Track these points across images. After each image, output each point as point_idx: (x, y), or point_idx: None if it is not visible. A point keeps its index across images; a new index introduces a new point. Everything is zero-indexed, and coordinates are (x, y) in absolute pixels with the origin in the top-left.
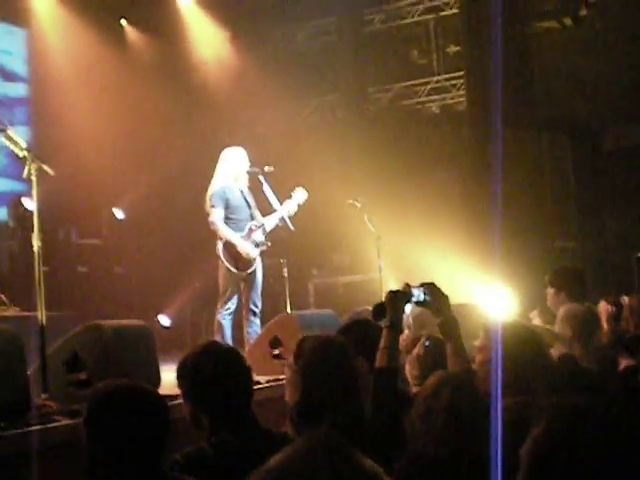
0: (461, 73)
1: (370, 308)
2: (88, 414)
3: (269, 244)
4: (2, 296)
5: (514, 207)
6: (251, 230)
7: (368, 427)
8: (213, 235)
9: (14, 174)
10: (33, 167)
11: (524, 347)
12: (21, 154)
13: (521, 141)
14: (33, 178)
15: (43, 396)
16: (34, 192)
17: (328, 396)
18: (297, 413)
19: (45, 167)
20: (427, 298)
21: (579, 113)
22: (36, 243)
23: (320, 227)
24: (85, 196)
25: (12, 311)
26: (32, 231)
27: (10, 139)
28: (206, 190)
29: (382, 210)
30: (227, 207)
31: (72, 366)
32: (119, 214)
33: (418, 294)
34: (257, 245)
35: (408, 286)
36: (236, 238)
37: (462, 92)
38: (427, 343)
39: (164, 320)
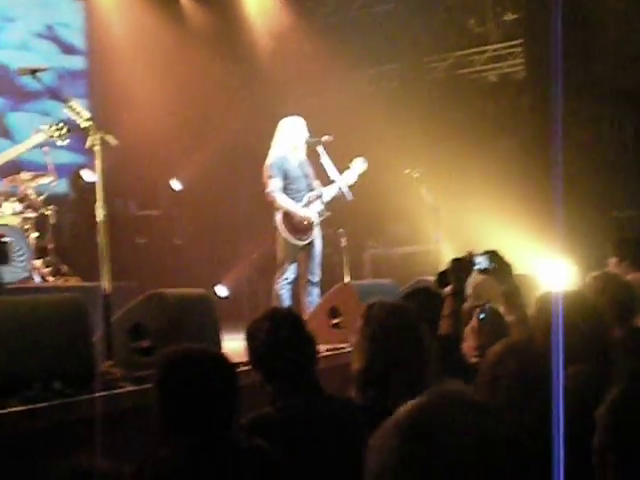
0: (519, 41)
1: (429, 279)
2: (160, 378)
3: (328, 214)
4: (63, 267)
5: (574, 176)
6: (309, 200)
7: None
8: (271, 205)
9: (73, 146)
10: (96, 137)
11: (582, 317)
12: (84, 125)
13: (580, 109)
14: (96, 148)
15: (107, 363)
16: (97, 162)
17: (394, 361)
18: (363, 377)
19: (108, 137)
20: (490, 266)
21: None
22: (100, 213)
23: (377, 197)
24: (143, 167)
25: (74, 281)
26: (92, 203)
27: (73, 110)
28: (264, 160)
29: (440, 180)
30: (285, 177)
31: (136, 334)
32: (177, 185)
33: (481, 262)
34: (317, 215)
35: (471, 254)
36: (295, 207)
37: (520, 60)
38: (481, 316)
39: (222, 290)
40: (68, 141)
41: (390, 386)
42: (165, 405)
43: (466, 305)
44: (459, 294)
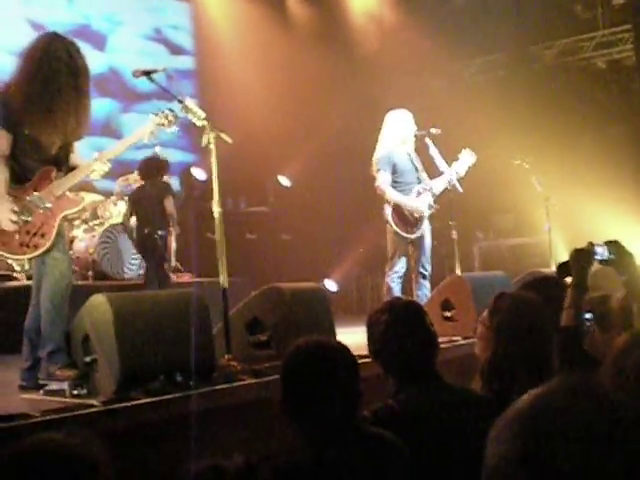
0: (628, 26)
1: (542, 270)
2: (285, 369)
3: (437, 207)
4: (177, 263)
5: None
6: (419, 193)
7: None
8: (378, 199)
9: (183, 145)
10: (212, 136)
11: None
12: (200, 123)
13: None
14: (212, 147)
15: (227, 357)
16: (213, 160)
17: (520, 353)
18: (490, 368)
19: (223, 135)
20: (611, 256)
21: None
22: (217, 210)
23: (486, 189)
24: (252, 165)
25: (186, 277)
26: (202, 200)
27: (188, 109)
28: (370, 154)
29: (550, 170)
30: (394, 171)
31: (253, 328)
32: (285, 182)
33: (602, 252)
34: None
35: (592, 244)
36: (404, 199)
37: (630, 46)
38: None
39: (331, 285)
40: (177, 130)
41: (516, 378)
42: (290, 396)
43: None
44: (581, 285)
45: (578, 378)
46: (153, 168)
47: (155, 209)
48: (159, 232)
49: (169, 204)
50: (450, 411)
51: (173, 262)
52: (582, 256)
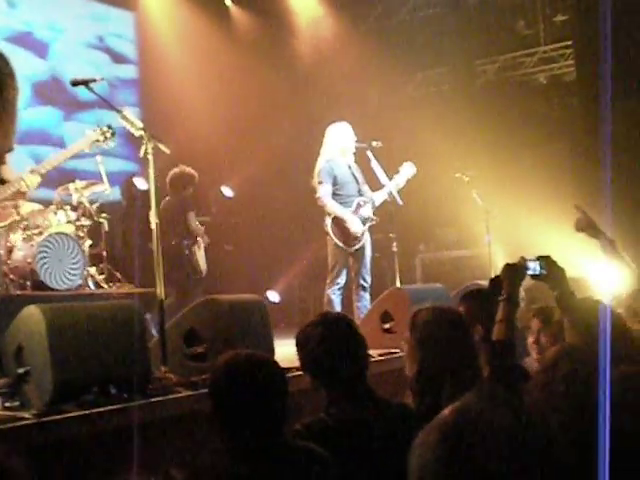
0: (569, 43)
1: (480, 283)
2: (212, 382)
3: (377, 219)
4: (117, 273)
5: (625, 179)
6: (359, 205)
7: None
8: (321, 211)
9: (126, 154)
10: (149, 146)
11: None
12: (137, 133)
13: (631, 111)
14: (150, 157)
15: (163, 369)
16: (151, 171)
17: (445, 366)
18: (416, 384)
19: (161, 146)
20: (543, 271)
21: None
22: (154, 221)
23: (427, 202)
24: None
25: (126, 288)
26: (143, 210)
27: (126, 119)
28: (313, 166)
29: (490, 183)
30: (335, 183)
31: (190, 340)
32: (227, 192)
33: (534, 267)
34: (365, 220)
35: (524, 259)
36: (345, 213)
37: (570, 62)
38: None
39: (273, 296)
40: (114, 145)
41: (442, 391)
42: (218, 410)
43: (521, 308)
44: (512, 299)
45: (492, 388)
46: (179, 181)
47: (180, 220)
48: (185, 242)
49: (190, 219)
50: (381, 425)
51: (203, 272)
52: (514, 271)
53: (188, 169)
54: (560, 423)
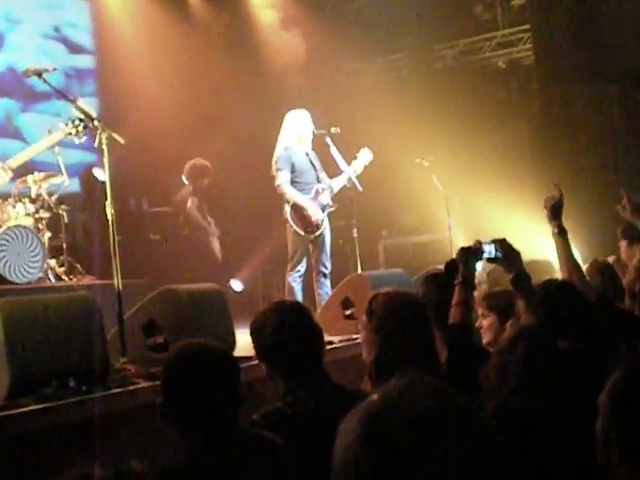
0: (527, 27)
1: (441, 267)
2: (164, 372)
3: (336, 206)
4: (77, 265)
5: (584, 161)
6: (318, 192)
7: (444, 380)
8: (280, 199)
9: (85, 145)
10: (104, 136)
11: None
12: (91, 124)
13: (590, 94)
14: (104, 147)
15: (122, 360)
16: (105, 161)
17: (403, 351)
18: (374, 369)
19: (115, 136)
20: (499, 254)
21: None
22: (109, 212)
23: (388, 188)
24: (154, 165)
25: (87, 280)
26: (103, 201)
27: (80, 109)
28: (272, 154)
29: (450, 168)
30: (293, 170)
31: (149, 330)
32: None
33: (489, 250)
34: (324, 207)
35: (479, 243)
36: (304, 200)
37: (528, 46)
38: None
39: (236, 285)
40: (84, 137)
41: (395, 375)
42: (170, 401)
43: (483, 290)
44: (468, 283)
45: (415, 375)
46: (198, 172)
47: (202, 210)
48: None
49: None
50: (337, 412)
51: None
52: (469, 254)
53: (203, 160)
54: (513, 406)
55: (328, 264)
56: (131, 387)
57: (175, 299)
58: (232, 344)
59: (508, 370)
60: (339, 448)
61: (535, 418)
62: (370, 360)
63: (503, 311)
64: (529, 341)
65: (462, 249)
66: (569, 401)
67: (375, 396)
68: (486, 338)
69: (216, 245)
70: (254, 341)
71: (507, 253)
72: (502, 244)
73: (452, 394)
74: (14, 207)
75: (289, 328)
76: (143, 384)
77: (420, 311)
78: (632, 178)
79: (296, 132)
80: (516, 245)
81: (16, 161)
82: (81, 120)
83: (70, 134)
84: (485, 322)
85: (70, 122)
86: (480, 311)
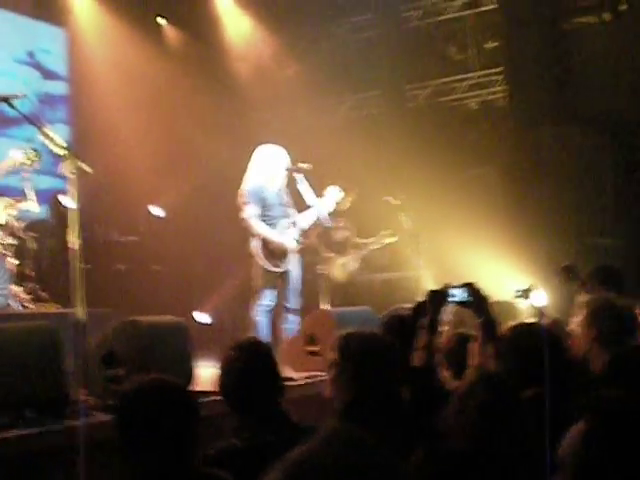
0: (500, 69)
1: (408, 305)
2: (119, 408)
3: (305, 241)
4: (43, 293)
5: (554, 204)
6: (285, 228)
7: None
8: (248, 232)
9: (55, 172)
10: (71, 165)
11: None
12: (59, 152)
13: (560, 137)
14: (71, 176)
15: (81, 392)
16: (72, 190)
17: (380, 396)
18: (348, 413)
19: (83, 165)
20: (468, 298)
21: (619, 109)
22: (74, 240)
23: (358, 224)
24: (123, 194)
25: (52, 308)
26: (71, 228)
27: (48, 137)
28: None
29: (420, 207)
30: (263, 205)
31: (109, 362)
32: (157, 212)
33: (458, 294)
34: (293, 243)
35: (448, 286)
36: (270, 233)
37: (501, 88)
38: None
39: (203, 317)
40: (37, 166)
41: (373, 420)
42: (123, 436)
43: (447, 332)
44: (433, 327)
45: (341, 428)
46: None
47: None
48: None
49: None
50: (292, 449)
51: None
52: (436, 297)
53: None
54: (472, 450)
55: (294, 300)
56: (89, 419)
57: (136, 331)
58: (190, 377)
59: (465, 415)
60: None
61: (485, 463)
62: (343, 404)
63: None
64: (488, 387)
65: (431, 292)
66: (526, 449)
67: (300, 448)
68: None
69: None
70: (218, 377)
71: (476, 297)
72: (471, 288)
73: (374, 448)
74: None
75: (245, 367)
76: (101, 417)
77: (394, 357)
78: (596, 220)
79: (269, 168)
80: (483, 286)
81: None
82: (34, 149)
83: (23, 164)
84: (446, 374)
85: (23, 151)
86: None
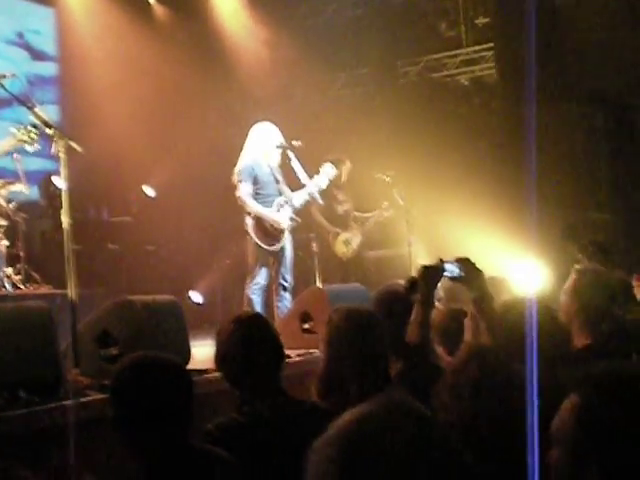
0: (490, 45)
1: (401, 282)
2: (114, 385)
3: (298, 220)
4: (35, 274)
5: (546, 179)
6: (279, 206)
7: None
8: (241, 211)
9: (45, 153)
10: (61, 144)
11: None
12: (49, 131)
13: (552, 113)
14: (62, 155)
15: (74, 371)
16: (63, 170)
17: (350, 365)
18: (320, 382)
19: (73, 144)
20: (461, 273)
21: (612, 85)
22: (65, 221)
23: (352, 201)
24: (115, 174)
25: (44, 289)
26: (62, 209)
27: (38, 117)
28: (236, 164)
29: (412, 184)
30: (255, 183)
31: (103, 341)
32: (149, 191)
33: (452, 269)
34: (286, 220)
35: (441, 261)
36: (264, 211)
37: (492, 64)
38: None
39: (196, 296)
40: (38, 146)
41: (349, 391)
42: (118, 414)
43: (440, 308)
44: (427, 302)
45: (397, 398)
46: None
47: None
48: None
49: None
50: (292, 424)
51: None
52: (430, 273)
53: None
54: (465, 426)
55: (289, 277)
56: (83, 399)
57: (130, 310)
58: (187, 356)
59: (459, 390)
60: (313, 469)
61: (479, 436)
62: (318, 373)
63: (453, 345)
64: (481, 362)
65: (424, 267)
66: (518, 423)
67: (349, 420)
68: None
69: None
70: (216, 351)
71: (470, 272)
72: (465, 263)
73: (436, 425)
74: None
75: (250, 340)
76: (95, 396)
77: (371, 327)
78: (590, 198)
79: (261, 145)
80: (476, 262)
81: None
82: (34, 127)
83: (23, 141)
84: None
85: (24, 128)
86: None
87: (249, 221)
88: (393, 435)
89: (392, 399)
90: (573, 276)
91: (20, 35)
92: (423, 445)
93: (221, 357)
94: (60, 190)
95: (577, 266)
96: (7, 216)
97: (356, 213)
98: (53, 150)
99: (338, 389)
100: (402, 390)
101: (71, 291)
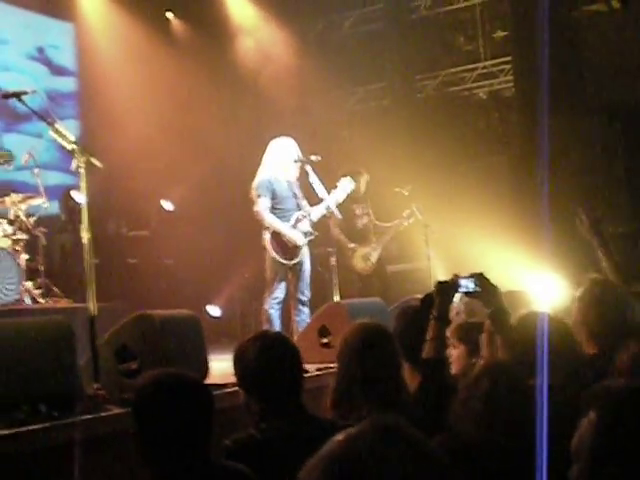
0: (508, 58)
1: (418, 297)
2: (135, 401)
3: (316, 234)
4: (55, 288)
5: (564, 193)
6: (298, 220)
7: (412, 413)
8: (259, 225)
9: (66, 167)
10: (81, 160)
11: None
12: (69, 147)
13: (570, 127)
14: (81, 171)
15: (94, 386)
16: (83, 185)
17: (357, 381)
18: (331, 396)
19: (93, 160)
20: (477, 288)
21: (630, 98)
22: (85, 235)
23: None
24: (134, 189)
25: (64, 303)
26: (81, 224)
27: (58, 132)
28: (253, 180)
29: (430, 198)
30: (274, 197)
31: (123, 356)
32: (168, 206)
33: (467, 284)
34: (304, 235)
35: (456, 277)
36: (283, 226)
37: (509, 77)
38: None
39: (214, 310)
40: (10, 168)
41: (355, 405)
42: (140, 430)
43: (457, 321)
44: (443, 317)
45: (389, 420)
46: None
47: None
48: None
49: None
50: (310, 442)
51: None
52: (445, 288)
53: None
54: (475, 438)
55: (307, 292)
56: (103, 413)
57: (149, 325)
58: (205, 370)
59: (471, 404)
60: None
61: (491, 451)
62: (330, 388)
63: (473, 343)
64: (493, 378)
65: (439, 283)
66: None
67: (339, 442)
68: (454, 369)
69: None
70: (235, 367)
71: (485, 288)
72: (480, 278)
73: (420, 440)
74: None
75: (270, 357)
76: (115, 410)
77: (379, 344)
78: (607, 211)
79: (279, 160)
80: (493, 276)
81: None
82: (8, 150)
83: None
84: (454, 352)
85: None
86: (450, 341)
87: (267, 236)
88: (378, 461)
89: (382, 423)
90: (585, 285)
91: (40, 50)
92: (411, 471)
93: (244, 374)
94: (79, 205)
95: (589, 275)
96: (27, 230)
97: (377, 222)
98: (73, 166)
99: (347, 404)
100: (418, 406)
101: (91, 305)
